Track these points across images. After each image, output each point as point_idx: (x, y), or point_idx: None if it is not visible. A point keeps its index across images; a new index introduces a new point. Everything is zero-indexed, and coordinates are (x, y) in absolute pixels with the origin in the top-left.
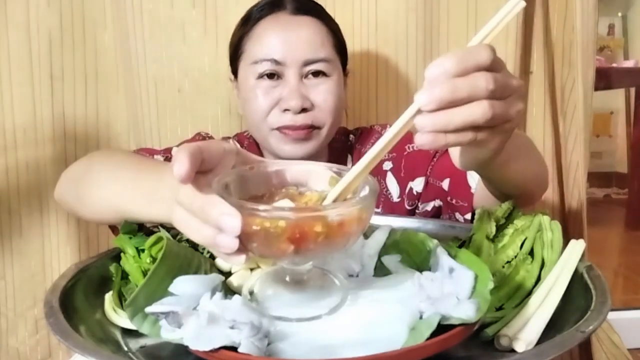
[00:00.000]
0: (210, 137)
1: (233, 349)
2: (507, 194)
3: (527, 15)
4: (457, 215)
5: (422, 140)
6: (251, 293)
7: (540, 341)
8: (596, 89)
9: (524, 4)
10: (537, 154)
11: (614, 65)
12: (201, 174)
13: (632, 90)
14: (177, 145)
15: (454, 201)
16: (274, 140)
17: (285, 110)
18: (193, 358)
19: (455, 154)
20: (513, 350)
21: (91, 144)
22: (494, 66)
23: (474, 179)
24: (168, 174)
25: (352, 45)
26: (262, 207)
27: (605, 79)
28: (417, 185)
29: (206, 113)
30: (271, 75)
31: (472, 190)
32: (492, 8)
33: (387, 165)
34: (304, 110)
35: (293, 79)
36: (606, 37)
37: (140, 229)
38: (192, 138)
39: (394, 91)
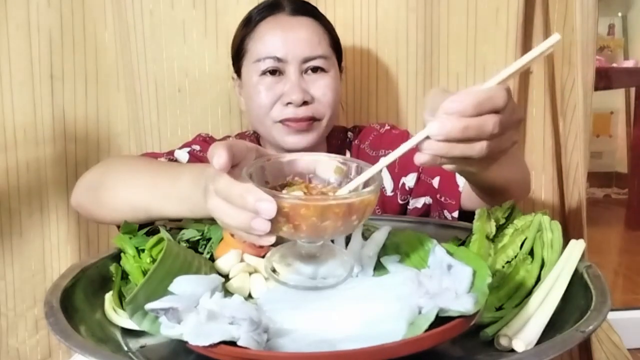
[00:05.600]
0: (211, 138)
1: (232, 344)
2: (490, 195)
3: (527, 15)
4: (445, 212)
5: (421, 159)
6: (273, 270)
7: (540, 341)
8: (596, 89)
9: (558, 37)
10: (522, 161)
11: (614, 65)
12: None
13: (632, 90)
14: (180, 148)
15: (442, 199)
16: (277, 133)
17: (288, 103)
18: (193, 358)
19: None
20: (513, 350)
21: (91, 143)
22: (505, 108)
23: (461, 178)
24: (185, 174)
25: (352, 44)
26: (291, 194)
27: (605, 79)
28: (410, 180)
29: (206, 113)
30: (273, 72)
31: (460, 189)
32: (492, 8)
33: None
34: (305, 103)
35: (294, 74)
36: (606, 37)
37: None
38: (193, 140)
39: (393, 90)
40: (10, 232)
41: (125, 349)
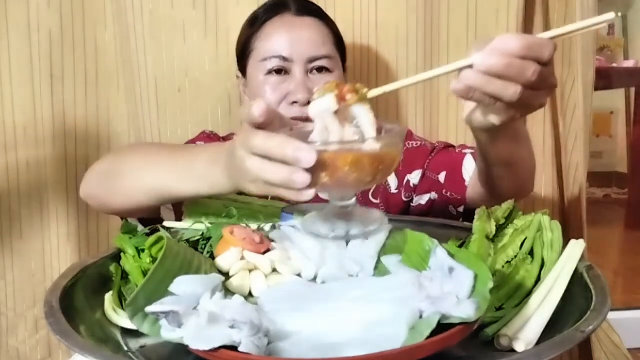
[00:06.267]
0: (215, 135)
1: (233, 348)
2: (497, 181)
3: (527, 15)
4: (451, 208)
5: (456, 87)
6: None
7: (540, 341)
8: (596, 89)
9: (612, 16)
10: (533, 155)
11: (614, 65)
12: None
13: (632, 90)
14: (184, 144)
15: (448, 194)
16: (282, 132)
17: (294, 102)
18: (193, 358)
19: (470, 110)
20: (513, 350)
21: (91, 143)
22: (547, 63)
23: (468, 172)
24: (202, 152)
25: (353, 44)
26: (329, 143)
27: (605, 79)
28: (414, 177)
29: (206, 113)
30: (279, 71)
31: (466, 184)
32: (492, 8)
33: None
34: (310, 102)
35: (299, 74)
36: (606, 37)
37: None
38: (197, 137)
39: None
40: (10, 232)
41: (125, 349)
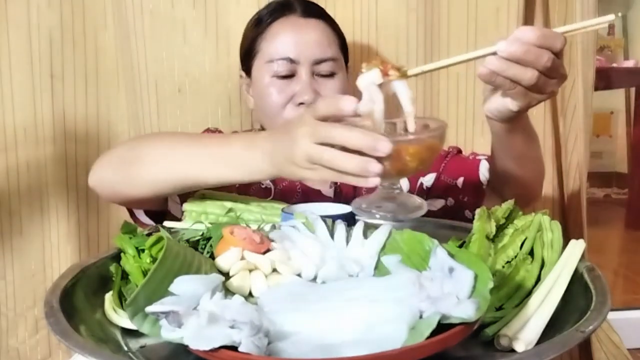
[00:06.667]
0: (220, 132)
1: (233, 348)
2: (507, 179)
3: (527, 15)
4: (467, 212)
5: (482, 71)
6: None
7: (540, 341)
8: (596, 89)
9: (612, 17)
10: (541, 160)
11: (614, 65)
12: None
13: (632, 90)
14: None
15: (465, 199)
16: None
17: (300, 104)
18: (193, 358)
19: (490, 98)
20: (513, 350)
21: (91, 143)
22: (559, 54)
23: (485, 177)
24: (234, 141)
25: (353, 44)
26: (398, 135)
27: (605, 79)
28: (428, 180)
29: (206, 113)
30: (286, 75)
31: (484, 187)
32: (492, 8)
33: None
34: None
35: (306, 75)
36: (606, 37)
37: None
38: (201, 133)
39: None
40: (10, 232)
41: (125, 349)
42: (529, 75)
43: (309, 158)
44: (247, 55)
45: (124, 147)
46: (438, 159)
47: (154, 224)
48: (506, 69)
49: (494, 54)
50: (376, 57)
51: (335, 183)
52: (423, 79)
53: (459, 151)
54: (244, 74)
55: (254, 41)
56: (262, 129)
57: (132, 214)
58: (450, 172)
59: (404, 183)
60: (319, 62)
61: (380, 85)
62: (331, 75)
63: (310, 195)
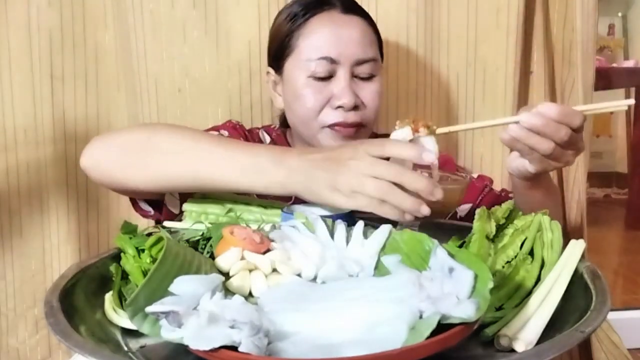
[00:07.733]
0: (241, 126)
1: (233, 348)
2: None
3: (527, 15)
4: None
5: (504, 137)
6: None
7: (540, 341)
8: (596, 89)
9: (632, 102)
10: (559, 206)
11: (614, 65)
12: None
13: (632, 90)
14: (207, 130)
15: None
16: (324, 137)
17: (338, 107)
18: (193, 358)
19: (512, 159)
20: (513, 350)
21: None
22: (577, 129)
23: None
24: (263, 151)
25: None
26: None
27: (605, 79)
28: (463, 211)
29: (206, 113)
30: (324, 76)
31: None
32: (492, 8)
33: None
34: (355, 108)
35: (345, 77)
36: (606, 37)
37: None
38: (222, 125)
39: (394, 90)
40: (10, 232)
41: (125, 349)
42: (545, 146)
43: (356, 187)
44: (280, 52)
45: (135, 132)
46: (474, 190)
47: (152, 211)
48: (526, 137)
49: (517, 122)
50: (409, 116)
51: None
52: (423, 77)
53: (491, 181)
54: (271, 71)
55: (288, 37)
56: (284, 128)
57: (134, 202)
58: (485, 203)
59: None
60: (359, 62)
61: (411, 141)
62: (370, 77)
63: None
